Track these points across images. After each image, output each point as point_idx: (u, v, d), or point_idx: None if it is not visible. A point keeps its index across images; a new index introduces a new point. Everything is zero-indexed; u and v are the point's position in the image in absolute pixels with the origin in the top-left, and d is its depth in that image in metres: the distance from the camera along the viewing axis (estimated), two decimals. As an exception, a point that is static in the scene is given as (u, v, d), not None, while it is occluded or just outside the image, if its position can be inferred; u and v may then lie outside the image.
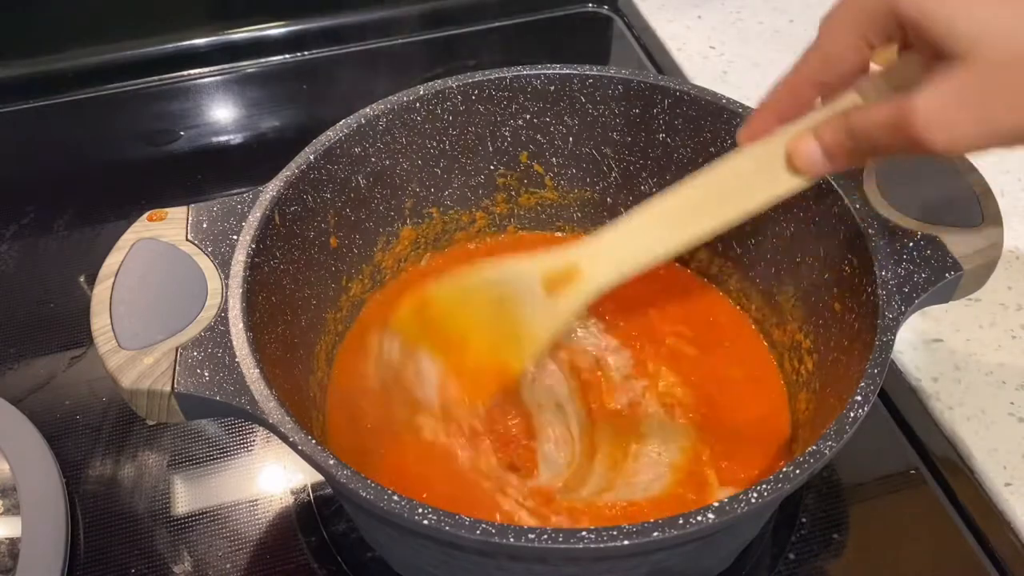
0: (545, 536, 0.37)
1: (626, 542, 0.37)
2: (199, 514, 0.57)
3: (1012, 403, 0.60)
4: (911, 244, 0.49)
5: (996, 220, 0.50)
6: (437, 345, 0.50)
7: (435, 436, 0.54)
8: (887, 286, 0.46)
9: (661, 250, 0.44)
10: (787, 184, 0.42)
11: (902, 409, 0.61)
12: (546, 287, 0.46)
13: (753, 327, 0.60)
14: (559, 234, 0.66)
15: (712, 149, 0.58)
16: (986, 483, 0.57)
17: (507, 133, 0.61)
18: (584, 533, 0.37)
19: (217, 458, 0.59)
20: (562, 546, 0.37)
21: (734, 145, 0.56)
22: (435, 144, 0.60)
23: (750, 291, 0.60)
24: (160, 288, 0.47)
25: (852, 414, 0.41)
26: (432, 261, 0.65)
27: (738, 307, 0.61)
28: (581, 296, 0.45)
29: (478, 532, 0.38)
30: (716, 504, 0.38)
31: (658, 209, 0.44)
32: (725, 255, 0.61)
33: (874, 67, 0.41)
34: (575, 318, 0.48)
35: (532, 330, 0.47)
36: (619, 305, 0.61)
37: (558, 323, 0.46)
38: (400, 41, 0.94)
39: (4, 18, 0.85)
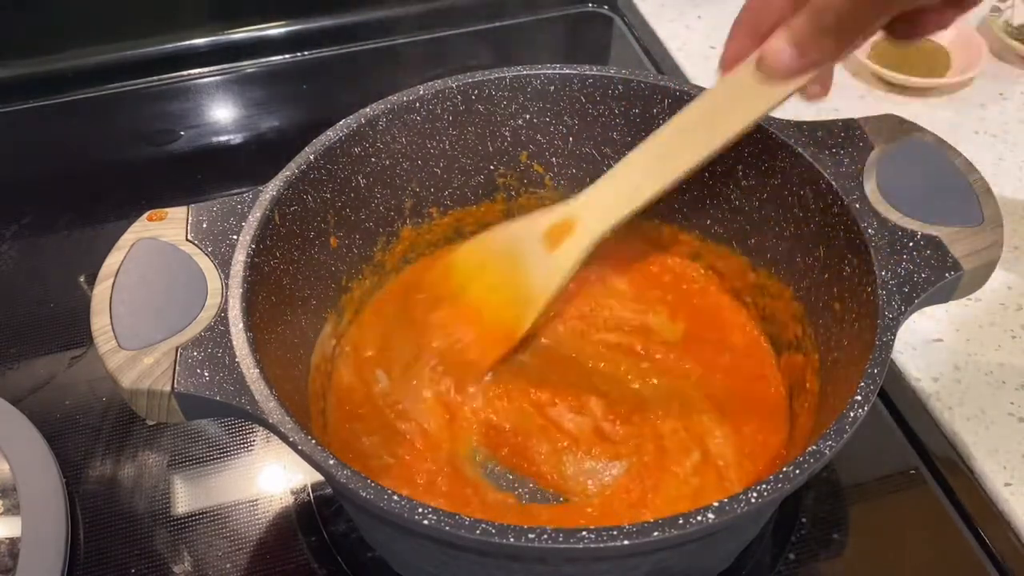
0: (545, 536, 0.37)
1: (626, 542, 0.37)
2: (199, 514, 0.57)
3: (1012, 403, 0.60)
4: (911, 244, 0.49)
5: (996, 220, 0.50)
6: (456, 306, 0.54)
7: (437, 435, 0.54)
8: (887, 286, 0.46)
9: (648, 191, 0.47)
10: (764, 101, 0.44)
11: (902, 409, 0.61)
12: (547, 242, 0.49)
13: (753, 326, 0.60)
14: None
15: (712, 149, 0.58)
16: (986, 483, 0.57)
17: (507, 133, 0.61)
18: (584, 533, 0.37)
19: (217, 458, 0.60)
20: (562, 546, 0.37)
21: (733, 144, 0.57)
22: (435, 144, 0.60)
23: (750, 290, 0.60)
24: (160, 288, 0.47)
25: (852, 414, 0.41)
26: (432, 262, 0.65)
27: (738, 306, 0.61)
28: (579, 246, 0.48)
29: (478, 532, 0.38)
30: (716, 504, 0.38)
31: (641, 152, 0.47)
32: (725, 255, 0.61)
33: None
34: (574, 270, 0.50)
35: (536, 287, 0.50)
36: (617, 300, 0.61)
37: (560, 277, 0.50)
38: (400, 41, 0.94)
39: (4, 18, 0.85)
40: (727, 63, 0.45)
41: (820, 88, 0.44)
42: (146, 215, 0.50)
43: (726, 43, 0.44)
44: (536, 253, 0.50)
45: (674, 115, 0.46)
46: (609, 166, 0.62)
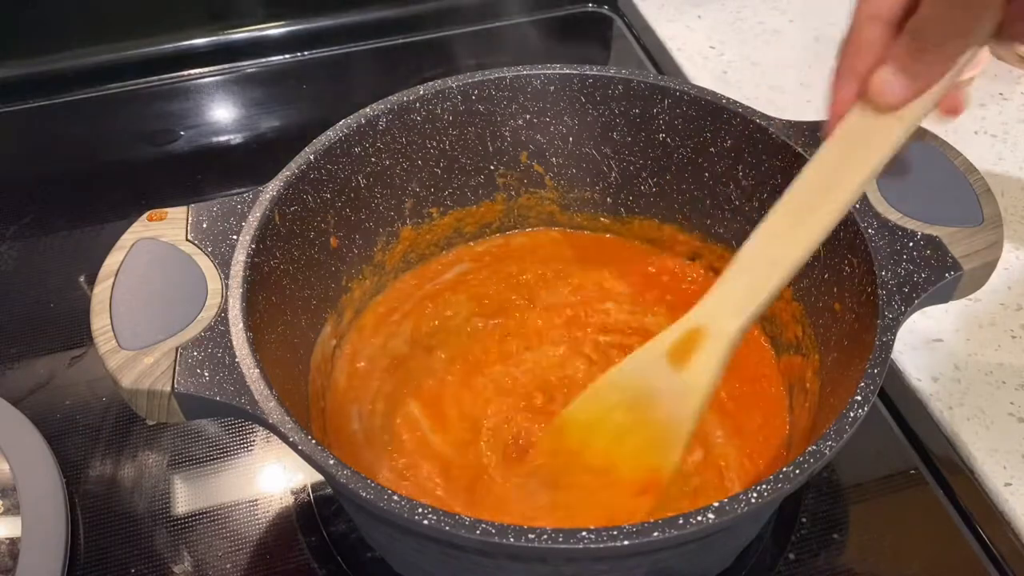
0: (545, 536, 0.37)
1: (626, 542, 0.37)
2: (199, 514, 0.57)
3: (1012, 403, 0.60)
4: (911, 244, 0.49)
5: (996, 220, 0.50)
6: (583, 472, 0.46)
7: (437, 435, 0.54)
8: (887, 286, 0.46)
9: (776, 278, 0.42)
10: (887, 139, 0.40)
11: (902, 409, 0.61)
12: (673, 362, 0.42)
13: (753, 326, 0.60)
14: (556, 229, 0.66)
15: (712, 149, 0.58)
16: (986, 483, 0.57)
17: (507, 133, 0.61)
18: (584, 533, 0.37)
19: (217, 458, 0.59)
20: (562, 546, 0.37)
21: (733, 144, 0.57)
22: (435, 144, 0.60)
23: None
24: (160, 288, 0.47)
25: (852, 414, 0.41)
26: (433, 262, 0.65)
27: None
28: (713, 356, 0.42)
29: (478, 532, 0.38)
30: (716, 504, 0.38)
31: (761, 236, 0.42)
32: (725, 255, 0.61)
33: None
34: (714, 384, 0.43)
35: (675, 419, 0.43)
36: (614, 302, 0.62)
37: (698, 397, 0.43)
38: (400, 41, 0.94)
39: (4, 18, 0.85)
40: (835, 115, 0.42)
41: (953, 105, 0.42)
42: (146, 215, 0.50)
43: (831, 96, 0.42)
44: (665, 379, 0.42)
45: (790, 184, 0.42)
46: (609, 166, 0.62)
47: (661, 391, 0.42)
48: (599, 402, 0.45)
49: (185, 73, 0.90)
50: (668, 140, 0.59)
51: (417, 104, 0.58)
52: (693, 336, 0.42)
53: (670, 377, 0.42)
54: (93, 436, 0.61)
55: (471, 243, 0.66)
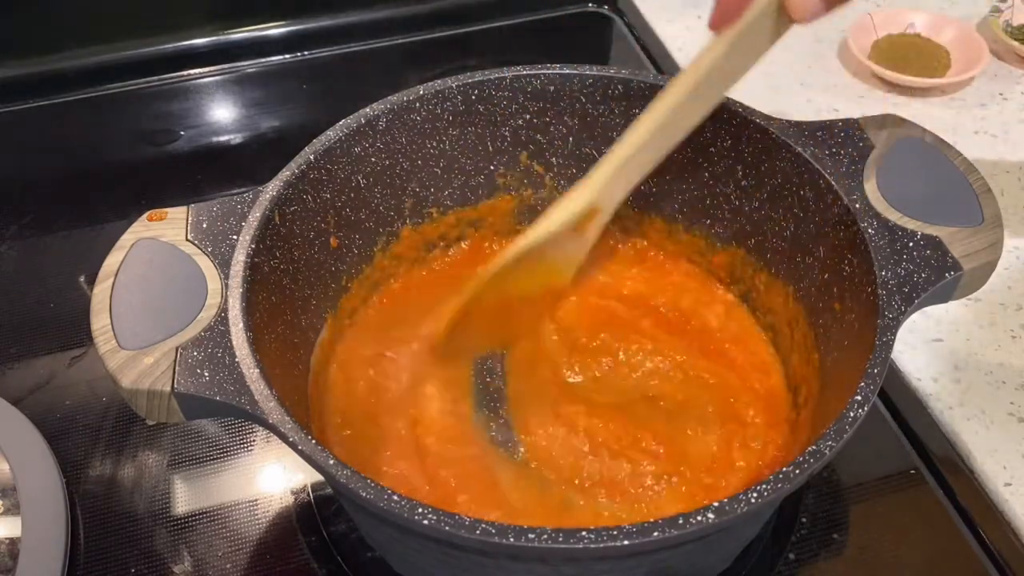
0: (545, 536, 0.37)
1: (626, 542, 0.37)
2: (199, 514, 0.57)
3: (1012, 403, 0.60)
4: (911, 244, 0.49)
5: (996, 220, 0.50)
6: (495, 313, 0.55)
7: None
8: (887, 286, 0.46)
9: (653, 163, 0.49)
10: (764, 46, 0.45)
11: (902, 409, 0.61)
12: (575, 230, 0.51)
13: (753, 326, 0.60)
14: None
15: (712, 149, 0.58)
16: (986, 483, 0.57)
17: (507, 133, 0.61)
18: (584, 533, 0.37)
19: (217, 458, 0.60)
20: (562, 546, 0.37)
21: (733, 144, 0.57)
22: (435, 144, 0.60)
23: (750, 291, 0.60)
24: (160, 288, 0.47)
25: (852, 414, 0.41)
26: (432, 263, 0.65)
27: (738, 307, 0.61)
28: (602, 222, 0.52)
29: (478, 532, 0.38)
30: (716, 504, 0.38)
31: (647, 126, 0.47)
32: (725, 255, 0.61)
33: None
34: (597, 237, 0.54)
35: (570, 259, 0.53)
36: (620, 297, 0.62)
37: (589, 245, 0.53)
38: (400, 41, 0.94)
39: (4, 18, 0.85)
40: (722, 19, 0.45)
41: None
42: (146, 215, 0.50)
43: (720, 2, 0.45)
44: (567, 240, 0.52)
45: (673, 80, 0.46)
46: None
47: (564, 247, 0.52)
48: (521, 261, 0.52)
49: (185, 73, 0.90)
50: (668, 140, 0.59)
51: (417, 104, 0.58)
52: (592, 213, 0.50)
53: (572, 238, 0.52)
54: (93, 436, 0.61)
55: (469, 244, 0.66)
